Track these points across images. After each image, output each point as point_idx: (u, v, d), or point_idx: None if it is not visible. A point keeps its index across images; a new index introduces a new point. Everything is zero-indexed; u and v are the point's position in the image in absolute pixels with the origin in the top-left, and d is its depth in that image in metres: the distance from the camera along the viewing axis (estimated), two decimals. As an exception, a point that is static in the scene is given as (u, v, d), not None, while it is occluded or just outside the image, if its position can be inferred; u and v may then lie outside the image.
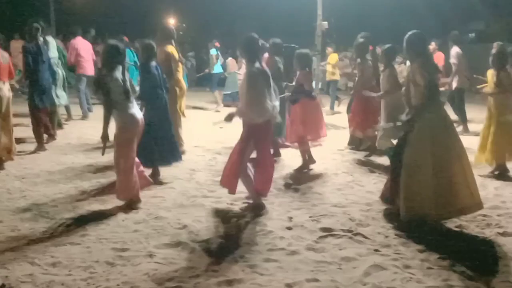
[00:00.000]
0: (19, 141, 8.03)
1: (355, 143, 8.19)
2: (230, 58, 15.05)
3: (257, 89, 5.02)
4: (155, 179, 6.17)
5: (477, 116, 10.51)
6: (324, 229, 4.68)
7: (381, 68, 7.14)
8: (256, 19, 20.82)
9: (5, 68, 6.95)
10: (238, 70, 14.17)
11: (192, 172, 6.75)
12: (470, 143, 7.65)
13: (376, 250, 4.22)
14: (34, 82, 7.80)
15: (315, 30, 11.57)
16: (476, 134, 8.39)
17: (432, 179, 4.65)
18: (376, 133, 7.36)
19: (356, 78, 7.80)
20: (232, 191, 5.26)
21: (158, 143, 6.13)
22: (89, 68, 11.60)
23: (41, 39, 8.05)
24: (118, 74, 5.18)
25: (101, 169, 6.80)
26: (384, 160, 7.19)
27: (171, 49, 7.38)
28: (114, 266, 3.91)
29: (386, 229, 4.69)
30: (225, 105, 13.85)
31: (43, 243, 4.34)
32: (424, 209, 4.69)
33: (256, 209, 5.23)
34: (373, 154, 7.64)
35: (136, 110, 5.34)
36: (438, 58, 10.55)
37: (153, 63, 6.21)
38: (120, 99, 5.15)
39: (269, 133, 5.38)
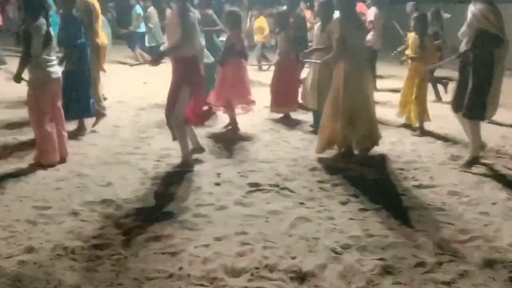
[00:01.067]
0: None
1: None
2: (151, 8, 14.44)
3: (188, 22, 4.94)
4: (79, 133, 6.11)
5: (397, 73, 10.98)
6: (252, 184, 4.75)
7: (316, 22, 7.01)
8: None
9: None
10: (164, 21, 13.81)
11: (115, 129, 6.55)
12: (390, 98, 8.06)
13: (302, 203, 4.35)
14: None
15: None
16: (396, 90, 8.78)
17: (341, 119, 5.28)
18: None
19: (278, 50, 7.52)
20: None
21: (76, 95, 5.92)
22: None
23: None
24: (41, 22, 4.81)
25: (18, 125, 6.43)
26: (309, 117, 7.33)
27: None
28: (36, 225, 3.76)
29: (311, 183, 4.84)
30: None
31: (-43, 203, 4.09)
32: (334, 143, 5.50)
33: (185, 167, 5.19)
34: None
35: (55, 68, 5.01)
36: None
37: (74, 13, 5.92)
38: (40, 52, 4.81)
39: (200, 69, 5.18)
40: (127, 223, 3.84)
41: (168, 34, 5.35)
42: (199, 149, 5.47)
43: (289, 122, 7.32)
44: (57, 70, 5.05)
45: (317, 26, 6.81)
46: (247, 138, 6.44)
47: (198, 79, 5.15)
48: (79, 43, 5.87)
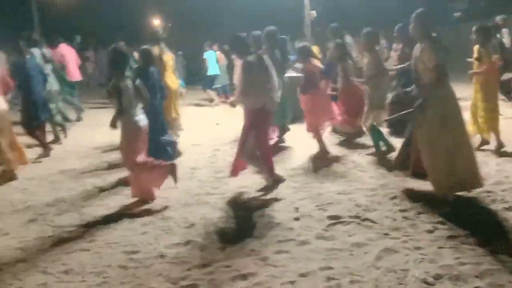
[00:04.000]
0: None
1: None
2: (218, 52, 14.95)
3: (249, 76, 5.28)
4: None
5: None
6: (331, 217, 4.70)
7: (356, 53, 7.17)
8: (242, 11, 20.79)
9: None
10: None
11: (193, 171, 6.73)
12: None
13: (386, 234, 4.25)
14: (26, 98, 7.69)
15: (303, 19, 11.56)
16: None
17: (446, 156, 4.76)
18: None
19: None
20: (233, 173, 5.70)
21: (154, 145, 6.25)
22: (75, 73, 11.61)
23: (32, 52, 8.06)
24: (128, 79, 5.25)
25: (100, 174, 6.76)
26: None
27: (156, 51, 7.48)
28: (127, 269, 3.90)
29: (393, 213, 4.71)
30: (221, 101, 13.85)
31: (53, 252, 4.32)
32: (443, 184, 4.84)
33: (276, 183, 5.64)
34: (357, 137, 7.80)
35: (143, 117, 5.38)
36: None
37: (152, 69, 6.32)
38: (128, 106, 5.20)
39: (265, 119, 5.53)
40: (213, 263, 3.90)
41: (237, 82, 5.75)
42: (279, 179, 5.75)
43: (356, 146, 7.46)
44: (143, 119, 5.40)
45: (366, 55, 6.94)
46: (320, 170, 6.39)
47: (259, 129, 5.49)
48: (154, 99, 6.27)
